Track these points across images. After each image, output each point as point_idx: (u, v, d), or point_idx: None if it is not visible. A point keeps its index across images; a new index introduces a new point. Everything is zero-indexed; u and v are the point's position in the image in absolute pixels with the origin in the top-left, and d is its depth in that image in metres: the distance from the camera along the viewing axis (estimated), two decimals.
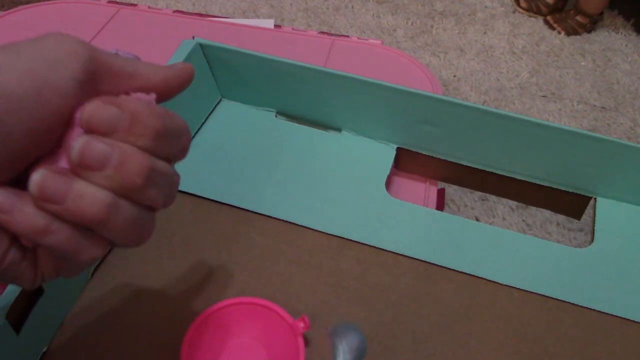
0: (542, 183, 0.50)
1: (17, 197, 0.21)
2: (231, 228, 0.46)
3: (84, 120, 0.21)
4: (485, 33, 1.66)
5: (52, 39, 0.22)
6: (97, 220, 0.21)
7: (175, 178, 0.25)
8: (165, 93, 0.26)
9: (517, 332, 0.41)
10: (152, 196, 0.23)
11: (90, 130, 0.21)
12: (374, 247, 0.45)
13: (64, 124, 0.22)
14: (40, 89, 0.21)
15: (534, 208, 1.13)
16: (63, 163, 0.22)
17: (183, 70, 0.27)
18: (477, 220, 1.11)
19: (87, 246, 0.22)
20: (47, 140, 0.22)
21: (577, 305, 0.43)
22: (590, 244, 0.47)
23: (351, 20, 1.66)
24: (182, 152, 0.25)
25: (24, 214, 0.21)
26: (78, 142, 0.20)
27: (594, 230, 0.48)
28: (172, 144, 0.23)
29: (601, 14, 1.71)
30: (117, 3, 0.79)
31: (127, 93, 0.24)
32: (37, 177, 0.20)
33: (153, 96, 0.24)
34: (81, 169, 0.21)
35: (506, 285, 0.44)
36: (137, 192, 0.22)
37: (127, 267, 0.43)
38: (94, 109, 0.21)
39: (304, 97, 0.53)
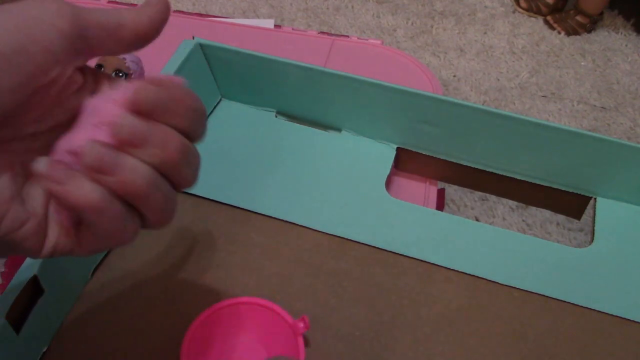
0: (542, 183, 0.50)
1: (70, 170, 0.21)
2: (231, 228, 0.46)
3: (131, 100, 0.22)
4: (485, 33, 1.66)
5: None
6: (144, 194, 0.22)
7: (199, 158, 0.25)
8: (152, 33, 0.26)
9: (517, 332, 0.41)
10: (186, 174, 0.24)
11: (135, 109, 0.22)
12: (374, 247, 0.45)
13: (53, 82, 0.22)
14: (26, 44, 0.21)
15: (534, 208, 1.13)
16: (100, 137, 0.22)
17: (159, 4, 0.26)
18: (477, 220, 1.10)
19: (130, 226, 0.23)
20: (36, 101, 0.22)
21: (577, 305, 0.43)
22: (590, 244, 0.47)
23: (351, 20, 1.66)
24: (204, 133, 0.25)
25: (81, 187, 0.21)
26: (125, 120, 0.22)
27: (594, 230, 0.48)
28: (201, 124, 0.24)
29: (601, 14, 1.70)
30: (117, 3, 0.79)
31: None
32: (92, 148, 0.21)
33: (180, 80, 0.24)
34: (126, 145, 0.22)
35: (506, 285, 0.44)
36: (175, 169, 0.23)
37: (127, 267, 0.43)
38: (140, 90, 0.22)
39: (304, 97, 0.53)
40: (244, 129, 0.54)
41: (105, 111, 0.23)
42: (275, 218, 0.47)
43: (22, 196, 0.23)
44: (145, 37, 0.25)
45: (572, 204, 0.51)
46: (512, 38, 1.65)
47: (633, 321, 0.42)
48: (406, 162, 0.53)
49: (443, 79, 1.49)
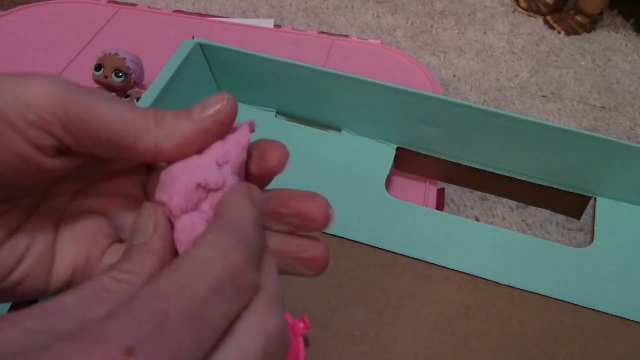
0: (542, 183, 0.50)
1: None
2: None
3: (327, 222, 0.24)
4: (485, 33, 1.66)
5: (33, 76, 0.19)
6: None
7: None
8: (191, 150, 0.21)
9: (517, 332, 0.41)
10: None
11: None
12: (374, 247, 0.45)
13: (31, 164, 0.19)
14: (3, 130, 0.18)
15: (534, 208, 1.13)
16: (227, 174, 0.22)
17: (215, 116, 0.21)
18: (477, 220, 1.11)
19: None
20: (19, 181, 0.20)
21: (577, 305, 0.43)
22: (590, 244, 0.47)
23: (351, 20, 1.66)
24: None
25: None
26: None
27: (594, 230, 0.48)
28: None
29: (601, 14, 1.71)
30: (117, 3, 0.79)
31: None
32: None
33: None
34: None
35: (506, 285, 0.44)
36: None
37: None
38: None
39: (304, 97, 0.53)
40: None
41: (232, 152, 0.22)
42: None
43: (15, 240, 0.21)
44: (166, 156, 0.21)
45: (572, 204, 0.51)
46: (512, 38, 1.65)
47: (633, 321, 0.42)
48: (406, 162, 0.53)
49: (443, 79, 1.49)
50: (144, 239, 0.20)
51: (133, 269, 0.19)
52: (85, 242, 0.22)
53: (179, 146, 0.20)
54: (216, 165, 0.22)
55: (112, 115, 0.19)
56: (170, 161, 0.21)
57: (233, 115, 0.22)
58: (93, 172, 0.23)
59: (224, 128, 0.22)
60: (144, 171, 0.25)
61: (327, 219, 0.23)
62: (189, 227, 0.20)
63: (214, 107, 0.21)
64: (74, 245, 0.22)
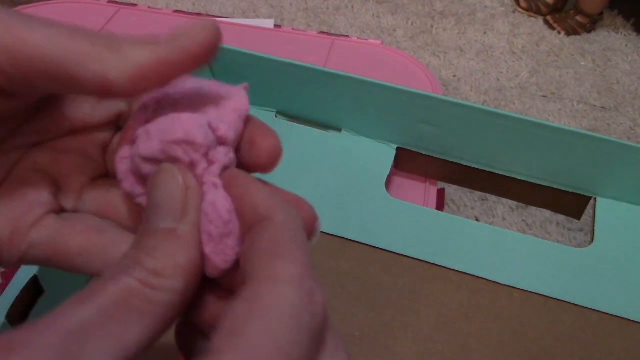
0: (542, 183, 0.50)
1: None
2: None
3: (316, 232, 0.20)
4: (485, 33, 1.66)
5: None
6: None
7: None
8: (151, 86, 0.17)
9: (517, 332, 0.41)
10: None
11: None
12: (374, 247, 0.45)
13: None
14: None
15: (534, 208, 1.14)
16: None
17: (185, 46, 0.17)
18: (477, 220, 1.11)
19: None
20: None
21: (577, 305, 0.43)
22: (590, 244, 0.47)
23: (351, 20, 1.66)
24: None
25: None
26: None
27: (594, 230, 0.48)
28: None
29: (601, 14, 1.71)
30: (117, 3, 0.79)
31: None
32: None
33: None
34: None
35: (506, 285, 0.44)
36: None
37: None
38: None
39: (304, 97, 0.53)
40: None
41: (229, 119, 0.18)
42: None
43: None
44: (118, 90, 0.17)
45: (572, 204, 0.51)
46: (512, 38, 1.65)
47: (633, 321, 0.42)
48: (406, 162, 0.53)
49: (443, 79, 1.49)
50: (171, 222, 0.16)
51: (165, 270, 0.15)
52: (16, 211, 0.19)
53: (133, 78, 0.16)
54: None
55: (49, 42, 0.16)
56: (127, 97, 0.17)
57: (212, 46, 0.17)
58: (50, 126, 0.20)
59: (196, 63, 0.17)
60: (110, 130, 0.21)
61: (313, 233, 0.20)
62: (226, 217, 0.16)
63: (189, 35, 0.17)
64: (4, 214, 0.19)
